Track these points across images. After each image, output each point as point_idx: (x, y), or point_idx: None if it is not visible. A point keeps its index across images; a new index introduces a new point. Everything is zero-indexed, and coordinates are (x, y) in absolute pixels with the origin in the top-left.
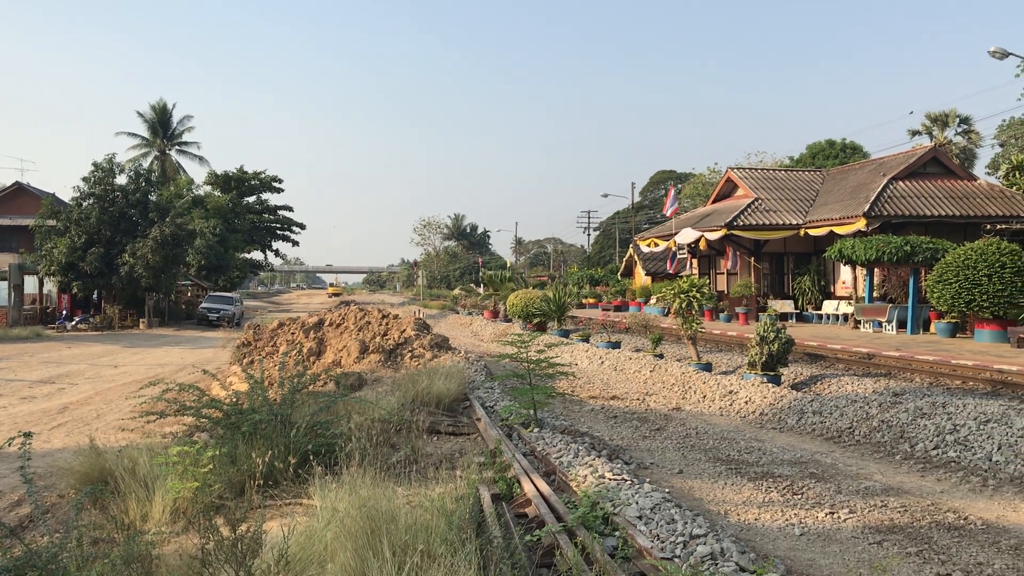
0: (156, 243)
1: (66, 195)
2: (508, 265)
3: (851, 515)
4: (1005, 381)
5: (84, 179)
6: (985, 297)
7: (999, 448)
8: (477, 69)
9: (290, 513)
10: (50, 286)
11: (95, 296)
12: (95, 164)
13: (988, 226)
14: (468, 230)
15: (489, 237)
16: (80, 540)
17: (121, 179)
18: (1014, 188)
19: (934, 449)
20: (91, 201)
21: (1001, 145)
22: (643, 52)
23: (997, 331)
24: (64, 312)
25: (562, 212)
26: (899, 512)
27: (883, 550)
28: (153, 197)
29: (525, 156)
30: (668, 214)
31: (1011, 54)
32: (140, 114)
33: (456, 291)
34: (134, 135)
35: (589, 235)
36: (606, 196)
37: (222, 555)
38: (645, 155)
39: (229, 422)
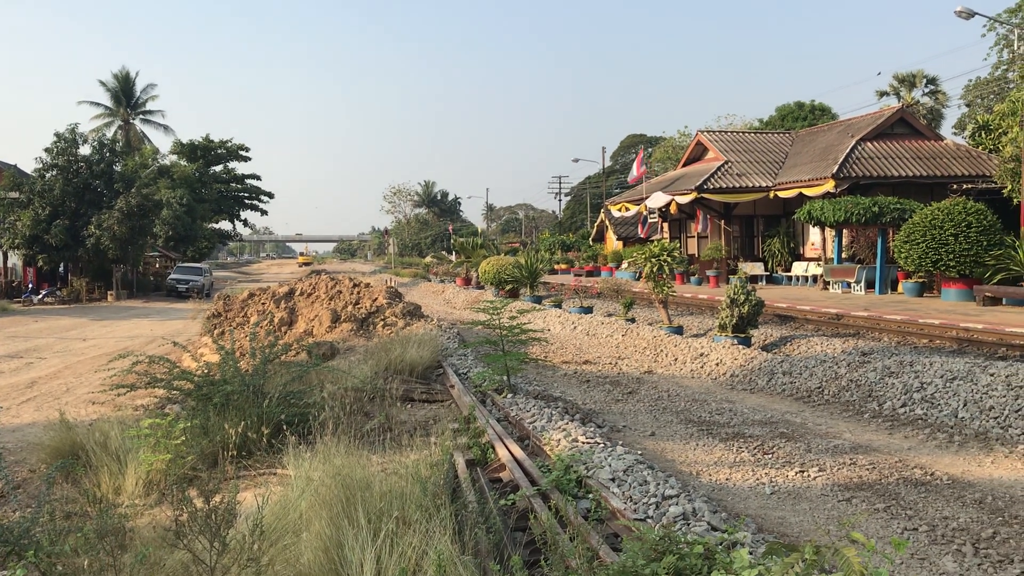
0: (122, 214)
1: (28, 166)
2: (480, 232)
3: (821, 473)
4: (971, 339)
5: (47, 150)
6: (951, 256)
7: (964, 404)
8: (445, 35)
9: (264, 483)
10: (15, 259)
11: (61, 269)
12: (57, 135)
13: (955, 186)
14: (439, 197)
15: (460, 204)
16: (52, 514)
17: (85, 149)
18: (980, 148)
19: (902, 407)
20: (54, 172)
21: (967, 105)
22: (613, 15)
23: (963, 290)
24: (30, 286)
25: (533, 178)
26: (867, 469)
27: (852, 507)
28: (118, 167)
29: (495, 121)
30: (636, 176)
31: (977, 14)
32: (102, 83)
33: (428, 259)
34: (97, 104)
35: (560, 200)
36: (577, 161)
37: (196, 526)
38: (615, 119)
39: (201, 393)
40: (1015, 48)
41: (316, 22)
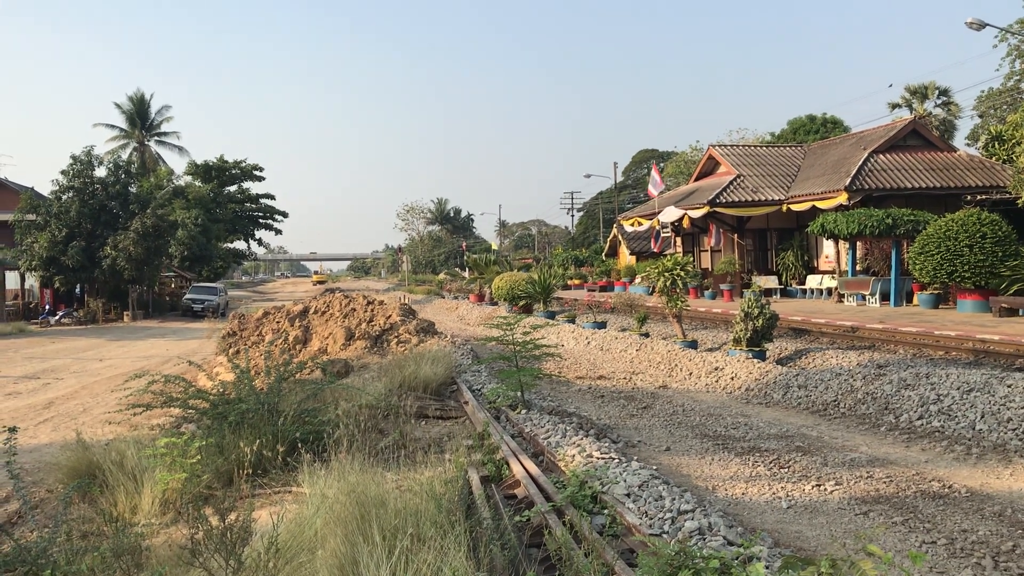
0: (138, 235)
1: (45, 189)
2: (493, 248)
3: (837, 487)
4: (987, 350)
5: (63, 172)
6: (966, 267)
7: (982, 416)
8: (459, 54)
9: (280, 501)
10: (32, 281)
11: (78, 290)
12: (73, 157)
13: (968, 197)
14: (452, 214)
15: (473, 221)
16: (69, 534)
17: (100, 171)
18: (993, 158)
19: (918, 419)
20: (71, 194)
21: (980, 116)
22: (624, 32)
23: (979, 301)
24: (47, 307)
25: (546, 194)
26: (884, 482)
27: (869, 520)
28: (133, 189)
29: (508, 138)
30: (655, 195)
31: (988, 25)
32: (118, 105)
33: (441, 276)
34: (112, 127)
35: (573, 216)
36: (589, 176)
37: (212, 544)
38: (627, 134)
39: (216, 412)
40: None
41: (332, 44)
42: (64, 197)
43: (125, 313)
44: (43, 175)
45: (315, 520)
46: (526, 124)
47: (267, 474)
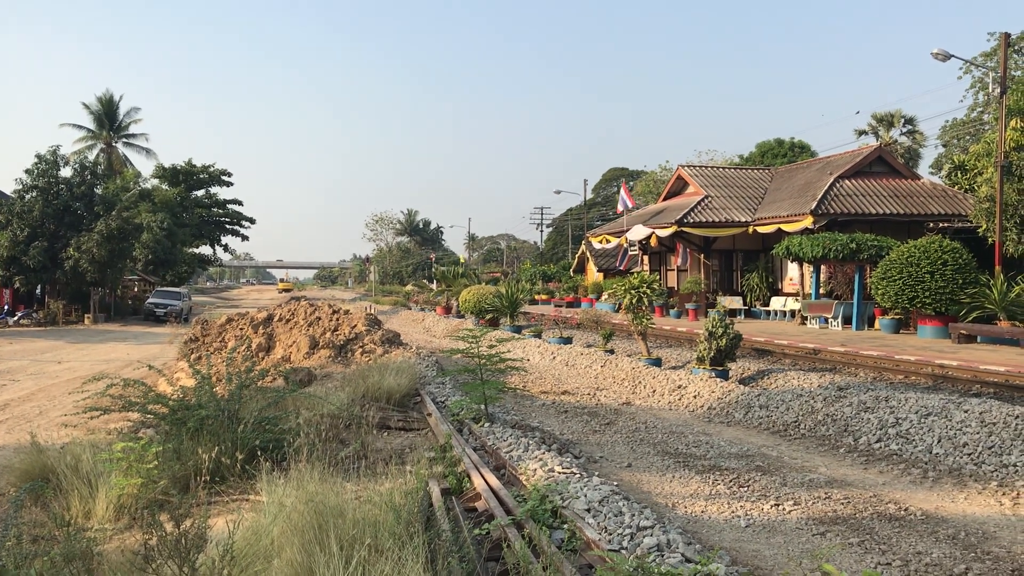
0: (102, 237)
1: (8, 187)
2: (461, 261)
3: (796, 507)
4: (946, 376)
5: (27, 171)
6: (927, 294)
7: (939, 441)
8: (429, 67)
9: (237, 509)
10: None
11: (38, 291)
12: (38, 156)
13: (931, 224)
14: (421, 226)
15: (442, 233)
16: (19, 538)
17: (66, 171)
18: (956, 187)
19: (877, 442)
20: (34, 194)
21: (944, 145)
22: (596, 52)
23: (939, 327)
24: (6, 307)
25: (515, 209)
26: (842, 504)
27: (826, 541)
28: (99, 190)
29: (479, 152)
30: (630, 205)
31: (953, 56)
32: (86, 105)
33: (409, 287)
34: (79, 127)
35: (542, 232)
36: (559, 193)
37: (166, 551)
38: (598, 152)
39: (175, 417)
40: (990, 91)
41: (299, 50)
42: (27, 196)
43: (86, 316)
44: (6, 174)
45: (272, 528)
46: (498, 140)
47: (225, 481)
